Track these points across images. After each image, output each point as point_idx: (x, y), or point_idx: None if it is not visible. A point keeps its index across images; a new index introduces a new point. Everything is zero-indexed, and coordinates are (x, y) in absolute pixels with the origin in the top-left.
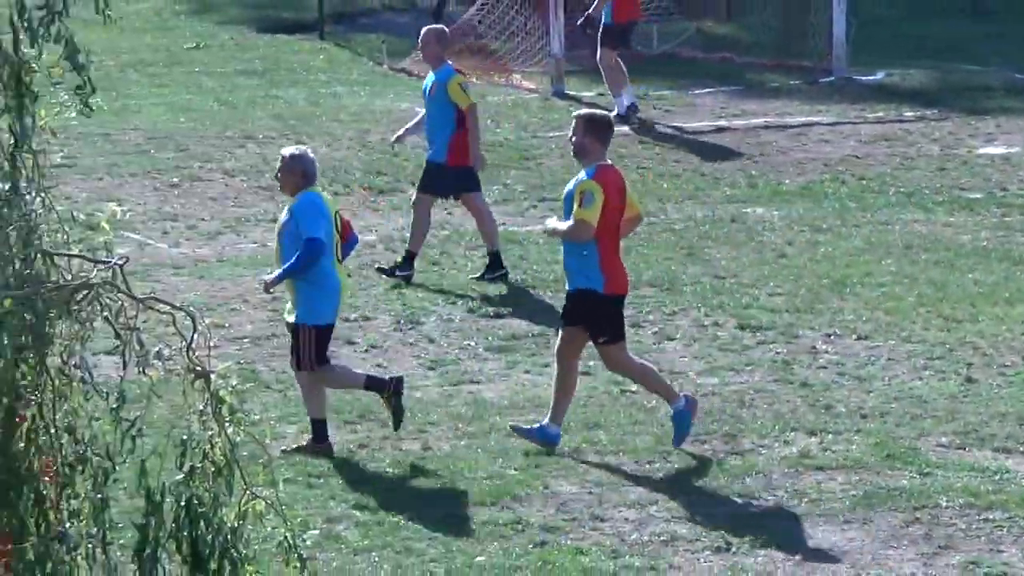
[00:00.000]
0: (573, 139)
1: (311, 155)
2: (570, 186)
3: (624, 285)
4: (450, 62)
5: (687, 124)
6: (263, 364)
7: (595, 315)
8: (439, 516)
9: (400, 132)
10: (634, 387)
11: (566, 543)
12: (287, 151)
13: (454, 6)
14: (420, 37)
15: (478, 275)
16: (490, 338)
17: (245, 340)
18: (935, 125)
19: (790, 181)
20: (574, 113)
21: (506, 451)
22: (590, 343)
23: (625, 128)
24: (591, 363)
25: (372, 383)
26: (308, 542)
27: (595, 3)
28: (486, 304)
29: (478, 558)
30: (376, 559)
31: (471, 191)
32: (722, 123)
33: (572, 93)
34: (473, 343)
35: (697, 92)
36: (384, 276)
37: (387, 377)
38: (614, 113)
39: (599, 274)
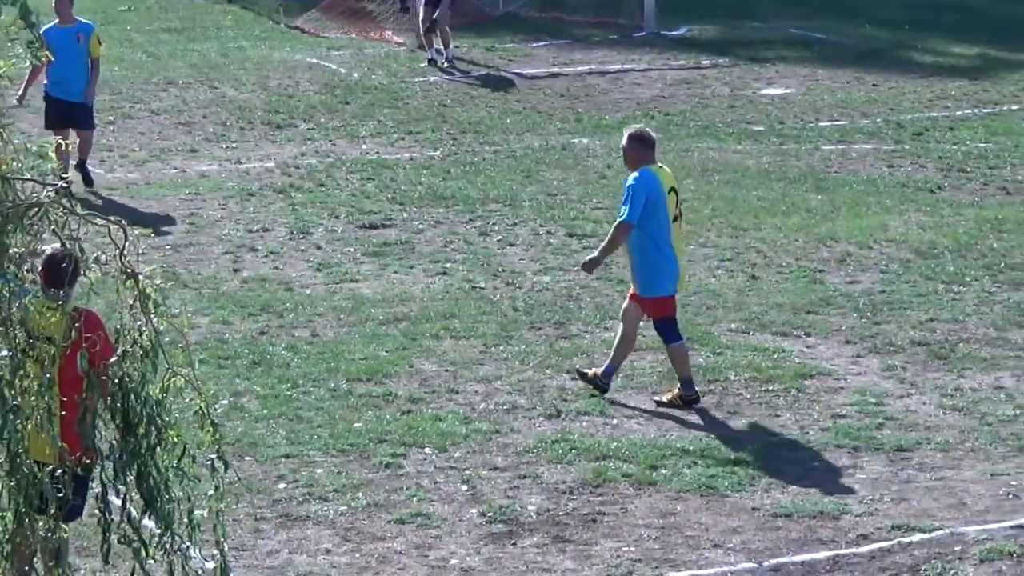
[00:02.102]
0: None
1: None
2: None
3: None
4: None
5: (525, 71)
6: (182, 268)
7: None
8: (324, 391)
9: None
10: (483, 283)
11: (427, 411)
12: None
13: None
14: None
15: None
16: (366, 245)
17: (167, 248)
18: (726, 71)
19: (609, 117)
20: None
21: (379, 337)
22: None
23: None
24: (447, 265)
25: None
26: (218, 411)
27: None
28: (363, 217)
29: (355, 424)
30: (273, 426)
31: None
32: (554, 70)
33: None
34: (352, 249)
35: (534, 45)
36: None
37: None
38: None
39: None
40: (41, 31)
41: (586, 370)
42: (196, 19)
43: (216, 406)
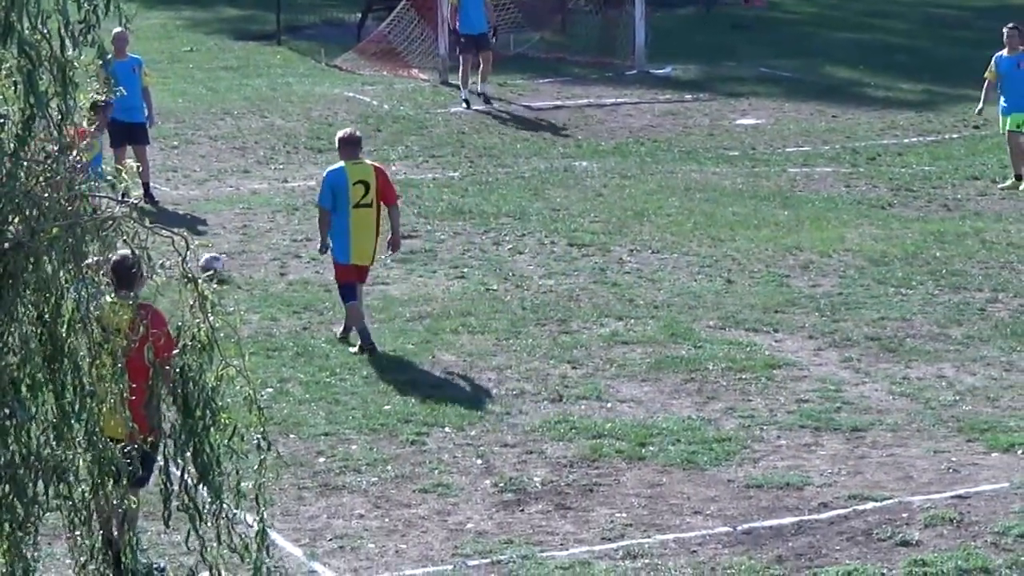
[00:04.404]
0: None
1: None
2: None
3: None
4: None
5: (533, 104)
6: (236, 272)
7: None
8: (358, 378)
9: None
10: (496, 285)
11: (447, 396)
12: None
13: (371, 21)
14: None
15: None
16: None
17: (224, 255)
18: (706, 104)
19: (605, 143)
20: None
21: (405, 331)
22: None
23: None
24: (465, 270)
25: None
26: (266, 396)
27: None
28: None
29: (385, 406)
30: (314, 408)
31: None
32: (558, 103)
33: (454, 82)
34: (383, 256)
35: (540, 82)
36: None
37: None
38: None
39: None
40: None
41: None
42: (249, 59)
43: (264, 392)
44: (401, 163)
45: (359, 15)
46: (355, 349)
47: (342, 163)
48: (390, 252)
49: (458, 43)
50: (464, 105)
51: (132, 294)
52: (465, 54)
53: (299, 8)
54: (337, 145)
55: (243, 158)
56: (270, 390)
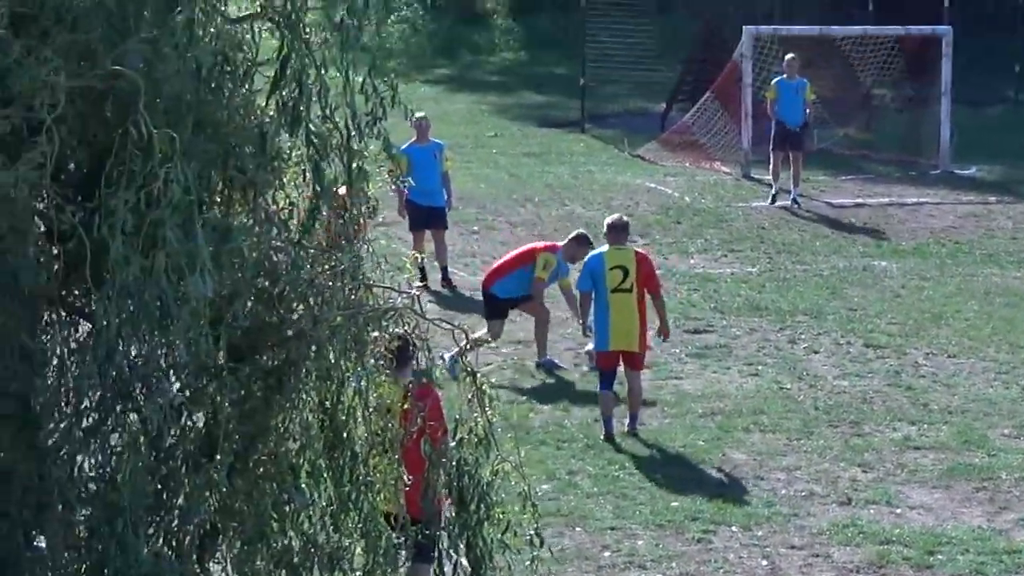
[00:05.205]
0: None
1: None
2: None
3: None
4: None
5: (834, 200)
6: (530, 360)
7: None
8: (647, 472)
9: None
10: (789, 384)
11: (733, 494)
12: None
13: (675, 112)
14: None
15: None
16: (690, 347)
17: (519, 344)
18: (1010, 207)
19: (905, 243)
20: None
21: (696, 428)
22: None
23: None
24: (759, 367)
25: None
26: (551, 488)
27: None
28: (689, 322)
29: (673, 503)
30: (601, 501)
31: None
32: (859, 201)
33: (756, 176)
34: (677, 350)
35: (842, 178)
36: None
37: None
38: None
39: None
40: (403, 148)
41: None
42: (552, 145)
43: (550, 484)
44: (699, 256)
45: (663, 105)
46: (603, 436)
47: (604, 248)
48: (662, 340)
49: (773, 135)
50: (770, 200)
51: (403, 371)
52: (777, 150)
53: (603, 96)
54: (605, 230)
55: None
56: (556, 482)
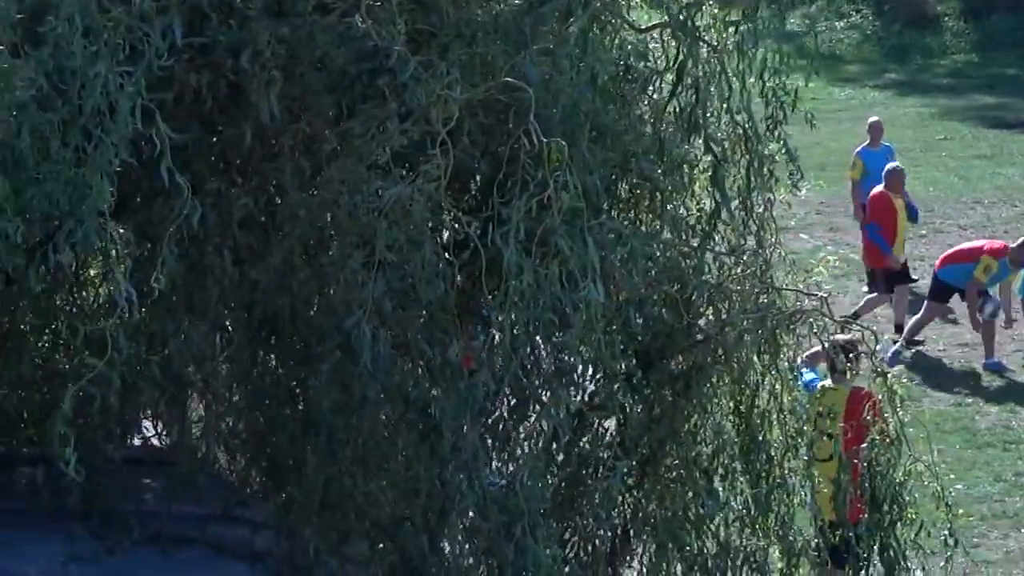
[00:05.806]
0: None
1: None
2: None
3: None
4: None
5: None
6: (977, 363)
7: None
8: None
9: None
10: None
11: None
12: None
13: None
14: None
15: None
16: None
17: (966, 347)
18: None
19: None
20: None
21: None
22: None
23: None
24: None
25: None
26: (997, 491)
27: None
28: None
29: None
30: None
31: None
32: None
33: None
34: None
35: None
36: None
37: None
38: None
39: None
40: (856, 151)
41: None
42: (1003, 147)
43: (997, 485)
44: None
45: None
46: None
47: None
48: None
49: None
50: None
51: (838, 377)
52: None
53: None
54: None
55: None
56: (1003, 484)
